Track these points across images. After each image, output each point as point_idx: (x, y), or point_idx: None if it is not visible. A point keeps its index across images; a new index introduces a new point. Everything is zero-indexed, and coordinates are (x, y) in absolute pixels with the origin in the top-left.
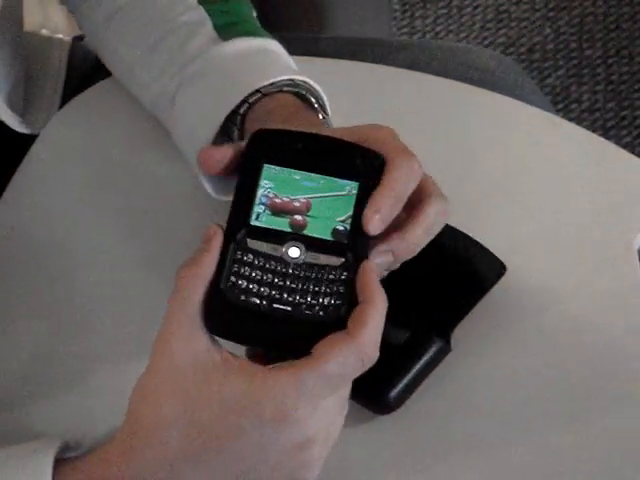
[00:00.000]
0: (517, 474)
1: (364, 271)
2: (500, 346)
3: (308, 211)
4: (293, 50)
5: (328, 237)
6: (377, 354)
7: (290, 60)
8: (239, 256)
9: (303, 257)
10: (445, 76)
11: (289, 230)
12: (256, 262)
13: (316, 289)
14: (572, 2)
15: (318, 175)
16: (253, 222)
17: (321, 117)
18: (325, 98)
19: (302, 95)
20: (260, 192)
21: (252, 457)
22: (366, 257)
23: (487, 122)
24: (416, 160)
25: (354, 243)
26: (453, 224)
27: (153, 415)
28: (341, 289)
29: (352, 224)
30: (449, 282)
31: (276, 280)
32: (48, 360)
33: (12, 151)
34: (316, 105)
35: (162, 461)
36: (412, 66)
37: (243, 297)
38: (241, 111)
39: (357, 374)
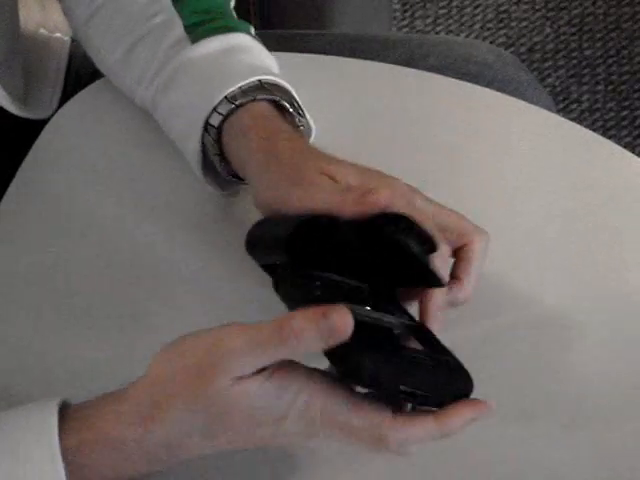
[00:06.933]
0: (517, 474)
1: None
2: (498, 346)
3: None
4: (291, 47)
5: None
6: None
7: (262, 52)
8: None
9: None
10: (443, 70)
11: None
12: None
13: None
14: (572, 2)
15: None
16: None
17: (297, 121)
18: (295, 94)
19: (276, 101)
20: None
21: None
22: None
23: (485, 121)
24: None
25: None
26: None
27: (166, 386)
28: None
29: None
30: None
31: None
32: (48, 357)
33: (19, 141)
34: (291, 109)
35: (174, 431)
36: (409, 61)
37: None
38: (215, 123)
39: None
